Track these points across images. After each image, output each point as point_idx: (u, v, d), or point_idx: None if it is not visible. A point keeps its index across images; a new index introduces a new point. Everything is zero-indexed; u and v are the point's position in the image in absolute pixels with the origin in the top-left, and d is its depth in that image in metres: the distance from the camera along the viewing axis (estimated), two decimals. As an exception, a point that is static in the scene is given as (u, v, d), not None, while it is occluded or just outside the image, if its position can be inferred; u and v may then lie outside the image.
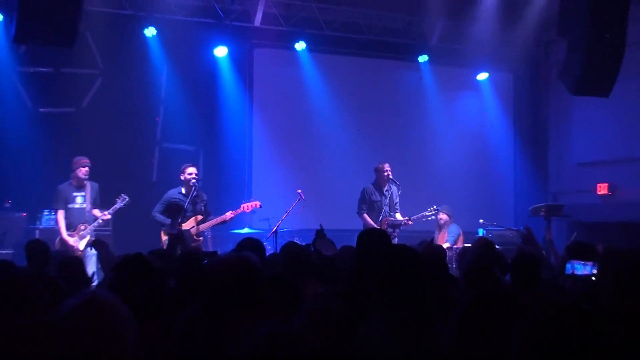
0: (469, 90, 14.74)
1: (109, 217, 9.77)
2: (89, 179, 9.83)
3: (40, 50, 10.86)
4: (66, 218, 9.69)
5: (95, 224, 9.73)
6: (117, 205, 9.73)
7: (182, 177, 9.75)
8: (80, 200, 9.75)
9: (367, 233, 5.42)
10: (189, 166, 9.82)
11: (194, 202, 9.62)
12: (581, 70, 10.04)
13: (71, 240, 9.57)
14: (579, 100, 12.57)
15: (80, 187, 9.79)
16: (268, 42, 13.17)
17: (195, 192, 9.61)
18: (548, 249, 9.18)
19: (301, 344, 2.24)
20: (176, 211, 9.33)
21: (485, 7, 13.19)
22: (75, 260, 6.17)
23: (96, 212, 9.84)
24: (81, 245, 9.62)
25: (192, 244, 9.48)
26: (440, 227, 11.55)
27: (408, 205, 11.21)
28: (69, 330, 2.37)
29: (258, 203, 10.21)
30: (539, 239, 11.70)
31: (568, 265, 5.45)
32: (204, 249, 9.88)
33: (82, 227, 9.66)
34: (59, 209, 9.70)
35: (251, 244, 5.75)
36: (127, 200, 9.76)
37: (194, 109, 12.54)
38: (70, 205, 9.72)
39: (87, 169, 9.73)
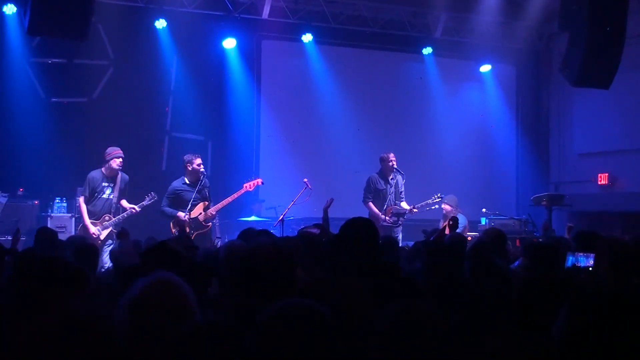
0: (472, 82, 14.87)
1: (138, 210, 9.79)
2: (122, 170, 9.93)
3: (53, 41, 10.92)
4: (93, 207, 9.74)
5: (122, 216, 9.81)
6: (145, 202, 9.83)
7: (190, 168, 9.83)
8: (108, 192, 9.82)
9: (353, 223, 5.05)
10: (197, 157, 9.93)
11: (199, 190, 9.84)
12: (582, 62, 10.19)
13: (93, 228, 9.64)
14: (580, 92, 12.74)
15: (111, 178, 9.87)
16: (275, 34, 13.32)
17: (203, 181, 9.84)
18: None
19: (316, 315, 2.29)
20: None
21: (488, 0, 13.38)
22: (92, 248, 6.40)
23: (124, 202, 9.94)
24: (102, 235, 9.70)
25: (202, 231, 9.72)
26: (445, 217, 11.74)
27: (412, 194, 11.38)
28: (142, 308, 2.47)
29: (260, 180, 10.35)
30: (538, 227, 12.03)
31: (571, 258, 5.41)
32: (211, 237, 10.14)
33: (107, 218, 9.75)
34: (84, 195, 9.77)
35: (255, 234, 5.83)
36: (155, 198, 9.85)
37: (203, 99, 12.70)
38: (97, 195, 9.79)
39: (120, 159, 9.81)
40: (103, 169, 9.88)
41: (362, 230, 4.53)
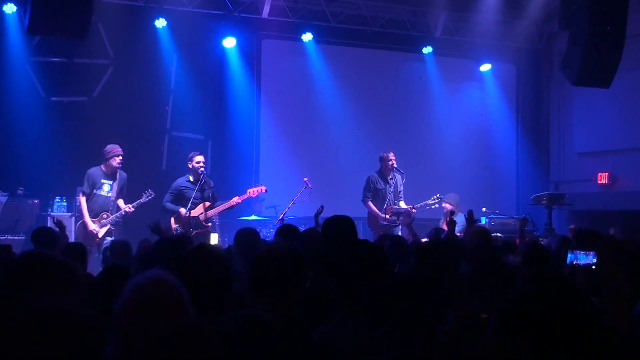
0: (472, 81, 14.88)
1: (132, 210, 9.74)
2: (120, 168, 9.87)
3: (53, 40, 10.94)
4: (91, 203, 9.70)
5: (118, 214, 9.76)
6: (141, 200, 9.77)
7: (190, 165, 9.87)
8: (107, 189, 9.75)
9: (334, 221, 5.21)
10: (197, 154, 9.93)
11: (201, 190, 9.79)
12: (582, 61, 10.19)
13: (92, 225, 9.61)
14: (581, 91, 12.73)
15: (110, 175, 9.81)
16: (275, 33, 13.32)
17: (203, 180, 9.83)
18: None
19: (269, 327, 2.30)
20: None
21: (489, -1, 13.40)
22: (81, 247, 6.39)
23: (120, 202, 9.87)
24: (101, 232, 9.67)
25: (201, 230, 9.71)
26: (447, 216, 11.74)
27: (412, 193, 11.37)
28: (135, 307, 2.47)
29: (264, 188, 10.36)
30: (540, 227, 12.04)
31: (570, 255, 5.26)
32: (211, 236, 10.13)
33: (105, 216, 9.69)
34: (84, 192, 9.74)
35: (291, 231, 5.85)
36: (152, 195, 9.79)
37: (203, 98, 12.70)
38: (96, 192, 9.72)
39: (120, 158, 9.76)
40: (102, 167, 9.82)
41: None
